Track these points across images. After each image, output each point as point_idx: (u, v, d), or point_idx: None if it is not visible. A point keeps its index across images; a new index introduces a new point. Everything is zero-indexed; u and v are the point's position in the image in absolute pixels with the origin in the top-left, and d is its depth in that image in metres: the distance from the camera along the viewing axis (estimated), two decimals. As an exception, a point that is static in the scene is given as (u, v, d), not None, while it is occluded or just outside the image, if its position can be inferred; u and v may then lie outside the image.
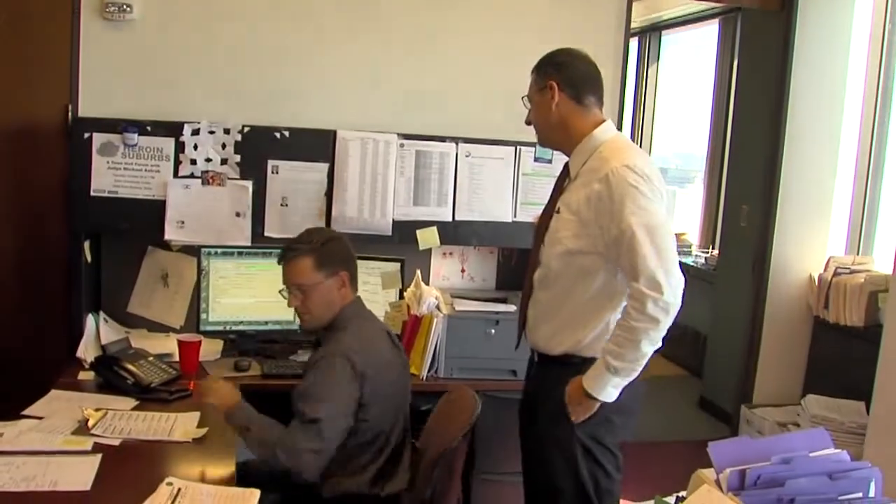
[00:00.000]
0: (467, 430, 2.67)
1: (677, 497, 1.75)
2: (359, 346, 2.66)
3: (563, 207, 2.55)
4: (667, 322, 2.34)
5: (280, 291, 2.79)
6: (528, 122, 2.70)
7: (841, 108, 4.89)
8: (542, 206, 2.71)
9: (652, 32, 8.26)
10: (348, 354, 2.60)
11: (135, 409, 2.85)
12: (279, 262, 2.76)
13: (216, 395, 2.71)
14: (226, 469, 2.45)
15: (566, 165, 2.66)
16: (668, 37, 8.21)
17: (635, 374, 2.42)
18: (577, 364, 2.50)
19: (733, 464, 1.75)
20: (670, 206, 2.51)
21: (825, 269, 4.82)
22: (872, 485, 1.76)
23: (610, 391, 2.41)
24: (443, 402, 2.99)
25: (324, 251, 2.72)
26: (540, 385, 2.66)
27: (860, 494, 1.73)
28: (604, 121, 2.60)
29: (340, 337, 2.69)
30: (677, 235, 5.60)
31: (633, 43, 8.22)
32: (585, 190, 2.47)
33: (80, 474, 2.28)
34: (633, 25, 6.29)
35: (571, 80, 2.59)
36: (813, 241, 4.99)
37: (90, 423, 2.62)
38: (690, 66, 8.04)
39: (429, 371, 3.44)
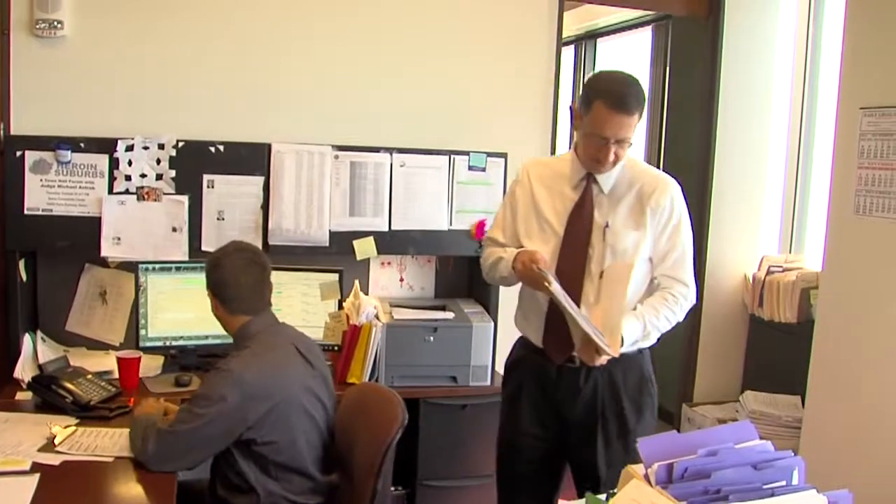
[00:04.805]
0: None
1: (608, 494, 1.78)
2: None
3: (617, 221, 2.72)
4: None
5: None
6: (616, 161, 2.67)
7: (768, 112, 5.00)
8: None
9: (588, 40, 8.33)
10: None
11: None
12: None
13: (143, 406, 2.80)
14: (167, 484, 2.43)
15: (591, 180, 2.73)
16: (603, 45, 8.29)
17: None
18: (631, 356, 2.73)
19: (662, 458, 1.79)
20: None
21: (759, 268, 4.91)
22: (795, 473, 1.82)
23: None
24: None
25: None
26: (600, 390, 2.74)
27: (784, 482, 1.78)
28: None
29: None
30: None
31: (570, 51, 8.30)
32: (642, 204, 2.71)
33: (17, 494, 2.25)
34: (568, 34, 6.37)
35: None
36: (746, 242, 5.09)
37: (57, 441, 2.61)
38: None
39: (369, 380, 3.46)
